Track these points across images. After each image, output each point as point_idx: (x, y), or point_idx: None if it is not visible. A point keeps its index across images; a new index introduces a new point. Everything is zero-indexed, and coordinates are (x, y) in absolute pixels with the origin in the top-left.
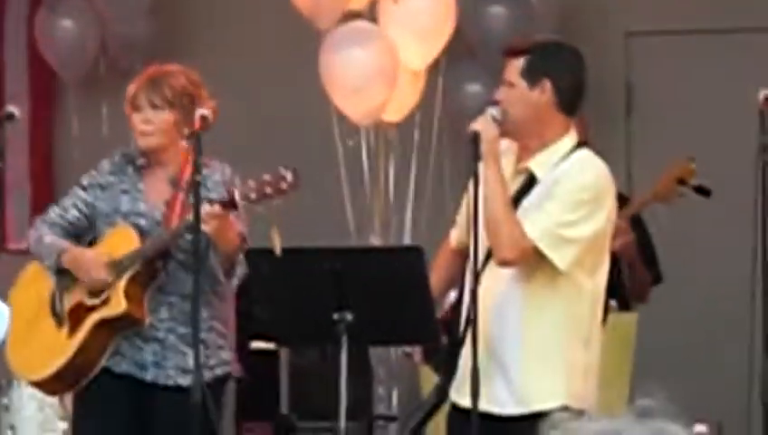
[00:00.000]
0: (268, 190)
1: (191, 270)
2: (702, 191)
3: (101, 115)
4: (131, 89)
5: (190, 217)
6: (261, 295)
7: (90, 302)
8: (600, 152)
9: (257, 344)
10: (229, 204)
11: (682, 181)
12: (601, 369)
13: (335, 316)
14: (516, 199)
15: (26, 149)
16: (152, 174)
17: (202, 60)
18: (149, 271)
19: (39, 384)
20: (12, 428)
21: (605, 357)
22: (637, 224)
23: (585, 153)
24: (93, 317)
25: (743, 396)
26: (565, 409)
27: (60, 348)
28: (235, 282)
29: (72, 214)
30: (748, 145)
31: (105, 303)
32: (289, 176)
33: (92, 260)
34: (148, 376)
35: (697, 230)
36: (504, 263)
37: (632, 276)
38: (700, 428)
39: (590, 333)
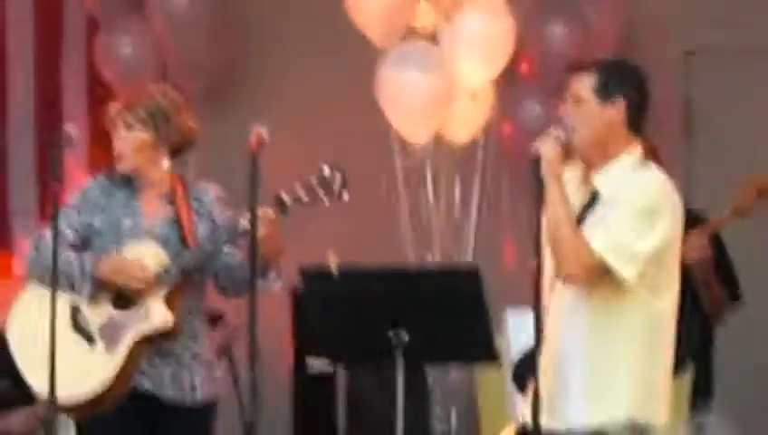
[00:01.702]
0: (319, 192)
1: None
2: None
3: None
4: (110, 110)
5: (241, 221)
6: (317, 315)
7: (123, 317)
8: None
9: (314, 365)
10: (279, 207)
11: (763, 194)
12: None
13: (390, 334)
14: (581, 216)
15: (86, 170)
16: (143, 194)
17: (263, 83)
18: (185, 284)
19: (76, 407)
20: None
21: None
22: (714, 242)
23: (651, 168)
24: (135, 331)
25: None
26: (629, 423)
27: (100, 366)
28: (278, 285)
29: (69, 234)
30: None
31: (145, 316)
32: (338, 177)
33: (136, 264)
34: (168, 394)
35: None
36: (569, 279)
37: (707, 295)
38: None
39: (660, 351)
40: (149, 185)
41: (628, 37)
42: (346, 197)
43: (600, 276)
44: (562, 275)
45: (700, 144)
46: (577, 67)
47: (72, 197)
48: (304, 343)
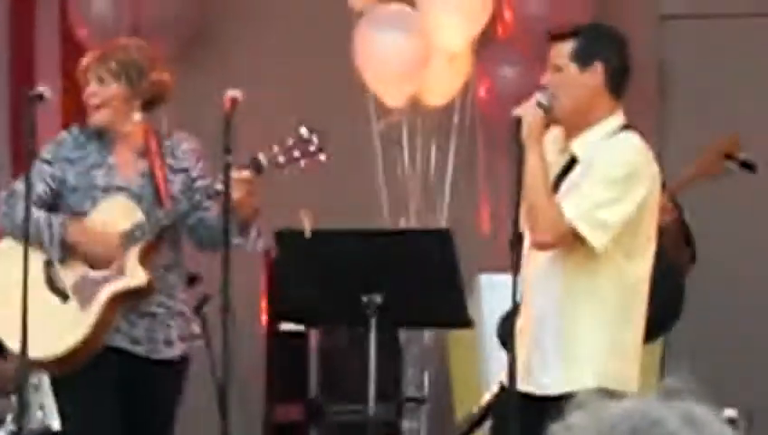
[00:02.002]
0: (296, 154)
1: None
2: (748, 166)
3: None
4: (82, 63)
5: (216, 184)
6: (290, 277)
7: (97, 274)
8: None
9: (287, 326)
10: (256, 168)
11: (728, 156)
12: None
13: (364, 298)
14: (558, 180)
15: (59, 128)
16: (116, 148)
17: (235, 43)
18: (159, 241)
19: (50, 363)
20: (41, 407)
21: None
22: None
23: (627, 134)
24: (109, 290)
25: None
26: (599, 390)
27: (74, 323)
28: (260, 245)
29: (41, 188)
30: None
31: (119, 274)
32: (314, 138)
33: (104, 232)
34: (141, 350)
35: (739, 211)
36: (541, 246)
37: (674, 257)
38: (730, 412)
39: (632, 316)
40: (122, 139)
41: (603, 1)
42: (323, 157)
43: (571, 243)
44: (535, 241)
45: (674, 107)
46: (555, 34)
47: (44, 150)
48: (278, 308)
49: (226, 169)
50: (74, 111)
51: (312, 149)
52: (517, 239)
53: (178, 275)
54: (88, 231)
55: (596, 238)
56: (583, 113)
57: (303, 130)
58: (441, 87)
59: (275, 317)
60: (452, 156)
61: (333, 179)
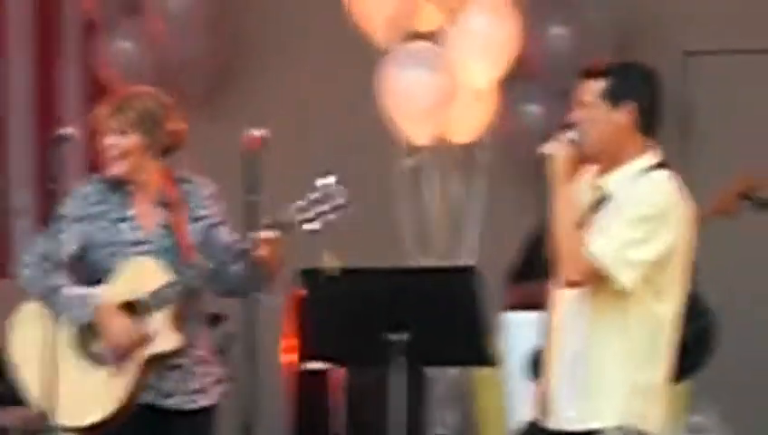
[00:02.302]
0: (324, 208)
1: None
2: (764, 204)
3: None
4: (99, 113)
5: (244, 244)
6: (315, 316)
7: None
8: None
9: (311, 364)
10: (282, 228)
11: (744, 196)
12: None
13: (391, 337)
14: (587, 219)
15: (85, 169)
16: (136, 199)
17: (259, 83)
18: (189, 303)
19: (81, 431)
20: None
21: None
22: None
23: (658, 174)
24: (141, 355)
25: None
26: (622, 428)
27: (106, 391)
28: (279, 301)
29: (69, 248)
30: None
31: (150, 338)
32: (341, 192)
33: (122, 327)
34: (171, 403)
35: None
36: (569, 284)
37: None
38: None
39: (659, 356)
40: (141, 189)
41: (627, 37)
42: (349, 211)
43: (598, 282)
44: (563, 278)
45: (697, 146)
46: (587, 72)
47: (70, 205)
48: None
49: (251, 208)
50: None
51: (340, 202)
52: (547, 273)
53: (198, 322)
54: (107, 323)
55: (623, 277)
56: (613, 151)
57: (329, 183)
58: (467, 124)
59: (301, 356)
60: (478, 193)
61: (358, 218)
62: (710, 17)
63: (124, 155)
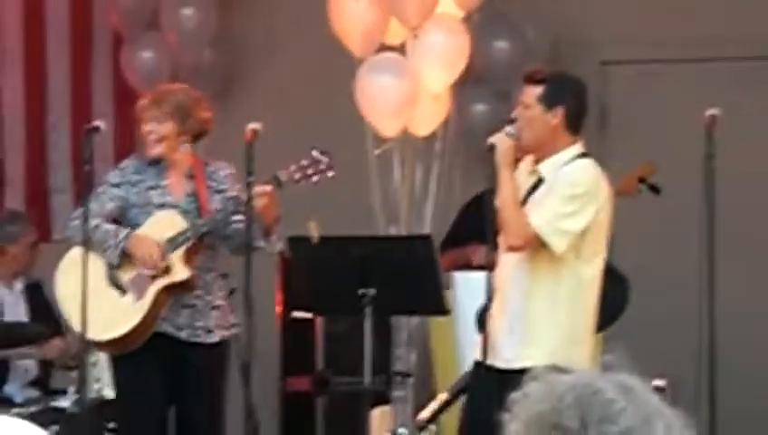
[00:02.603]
0: (309, 171)
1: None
2: (654, 189)
3: None
4: (140, 104)
5: (242, 196)
6: (300, 274)
7: (148, 273)
8: None
9: (297, 314)
10: (277, 183)
11: (642, 179)
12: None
13: (361, 292)
14: (527, 196)
15: (111, 158)
16: (169, 172)
17: (256, 85)
18: (199, 245)
19: (108, 344)
20: (98, 380)
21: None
22: None
23: (584, 161)
24: (158, 284)
25: (695, 357)
26: (552, 367)
27: (129, 312)
28: (278, 246)
29: (110, 206)
30: (697, 155)
31: (166, 272)
32: (325, 158)
33: (153, 244)
34: (183, 335)
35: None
36: (512, 249)
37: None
38: (659, 382)
39: (584, 308)
40: (174, 165)
41: (556, 50)
42: (331, 174)
43: (536, 247)
44: (507, 244)
45: (611, 139)
46: (528, 77)
47: (112, 175)
48: (290, 300)
49: (249, 186)
50: (123, 143)
51: (323, 167)
52: (492, 244)
53: (215, 276)
54: (141, 241)
55: (556, 243)
56: (545, 145)
57: (315, 152)
58: (427, 120)
59: (289, 307)
60: (435, 176)
61: (337, 195)
62: (623, 33)
63: (161, 139)
